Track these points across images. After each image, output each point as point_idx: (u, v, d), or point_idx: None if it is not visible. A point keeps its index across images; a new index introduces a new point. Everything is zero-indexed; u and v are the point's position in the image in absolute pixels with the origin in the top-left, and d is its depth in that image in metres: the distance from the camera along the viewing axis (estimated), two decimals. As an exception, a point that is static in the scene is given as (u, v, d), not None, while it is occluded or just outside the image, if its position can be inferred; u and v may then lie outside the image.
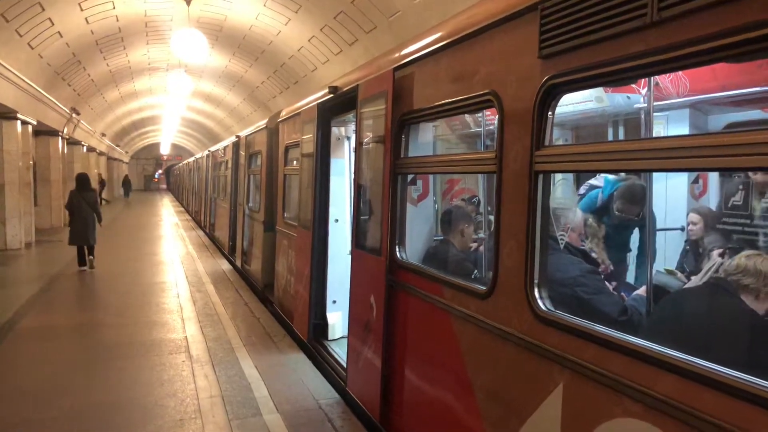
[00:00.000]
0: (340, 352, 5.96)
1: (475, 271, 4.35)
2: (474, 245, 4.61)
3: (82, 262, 11.91)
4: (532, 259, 2.74)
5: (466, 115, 5.12)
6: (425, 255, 4.55)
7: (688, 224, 4.43)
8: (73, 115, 21.36)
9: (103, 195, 30.51)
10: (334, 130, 6.52)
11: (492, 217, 3.32)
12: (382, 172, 4.42)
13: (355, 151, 5.26)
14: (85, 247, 11.88)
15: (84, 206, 11.59)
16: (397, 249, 4.28)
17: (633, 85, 3.90)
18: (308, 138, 6.68)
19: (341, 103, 5.85)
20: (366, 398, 4.70)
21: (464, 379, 3.31)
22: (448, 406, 3.54)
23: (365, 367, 4.76)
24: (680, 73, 3.74)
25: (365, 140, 4.99)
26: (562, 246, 3.50)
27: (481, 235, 4.67)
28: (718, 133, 3.87)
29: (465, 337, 3.34)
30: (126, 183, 46.86)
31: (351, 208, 5.74)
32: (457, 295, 3.44)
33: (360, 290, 4.90)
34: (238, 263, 12.91)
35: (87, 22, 14.00)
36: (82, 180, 12.15)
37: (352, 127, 5.94)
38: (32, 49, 13.78)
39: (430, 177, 4.96)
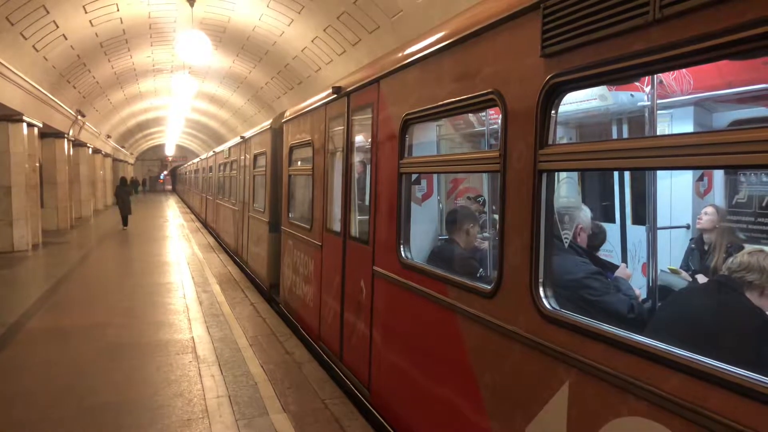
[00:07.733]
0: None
1: (480, 269, 4.35)
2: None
3: (125, 225, 21.54)
4: (537, 258, 2.75)
5: (470, 116, 5.12)
6: (429, 254, 4.55)
7: (701, 215, 4.36)
8: (79, 117, 21.45)
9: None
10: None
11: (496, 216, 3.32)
12: (369, 174, 4.94)
13: (347, 153, 5.59)
14: (125, 217, 21.51)
15: (124, 194, 21.92)
16: (402, 249, 4.29)
17: (637, 83, 3.89)
18: (337, 131, 6.06)
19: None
20: (357, 369, 5.19)
21: (470, 377, 3.32)
22: (452, 404, 3.55)
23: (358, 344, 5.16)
24: (684, 70, 3.73)
25: (357, 143, 5.48)
26: (566, 245, 3.50)
27: (486, 234, 4.67)
28: (723, 130, 3.85)
29: (470, 335, 3.35)
30: (134, 183, 54.41)
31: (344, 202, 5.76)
32: (461, 294, 3.45)
33: (352, 275, 5.43)
34: (244, 264, 12.95)
35: (91, 24, 14.05)
36: (123, 180, 23.19)
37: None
38: (37, 51, 13.83)
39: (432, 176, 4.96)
